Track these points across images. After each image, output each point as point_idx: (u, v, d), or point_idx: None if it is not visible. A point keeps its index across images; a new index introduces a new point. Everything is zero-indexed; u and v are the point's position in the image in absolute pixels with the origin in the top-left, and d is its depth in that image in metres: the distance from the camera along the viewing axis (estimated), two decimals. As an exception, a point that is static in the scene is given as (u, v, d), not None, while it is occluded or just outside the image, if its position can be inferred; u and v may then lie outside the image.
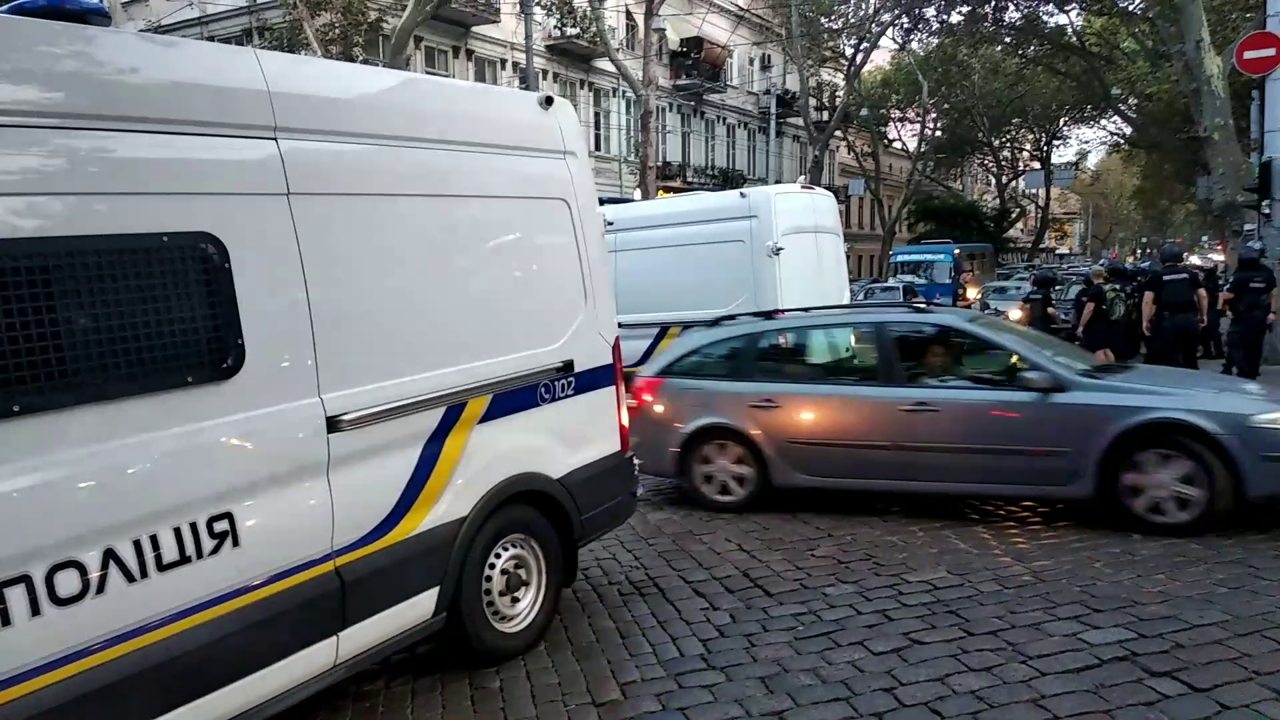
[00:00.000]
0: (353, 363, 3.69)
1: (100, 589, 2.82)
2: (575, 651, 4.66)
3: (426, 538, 4.00)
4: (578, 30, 28.56)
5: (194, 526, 3.08)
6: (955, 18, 35.45)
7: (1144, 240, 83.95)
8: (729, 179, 37.79)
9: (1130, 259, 62.22)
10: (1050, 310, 14.77)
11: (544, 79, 29.85)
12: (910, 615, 4.89)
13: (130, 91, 3.06)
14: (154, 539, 2.97)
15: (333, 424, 3.54)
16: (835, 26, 38.17)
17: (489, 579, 4.43)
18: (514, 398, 4.52)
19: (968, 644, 4.48)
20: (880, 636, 4.63)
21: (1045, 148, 54.84)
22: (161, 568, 2.98)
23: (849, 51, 38.57)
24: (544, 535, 4.72)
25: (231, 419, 3.22)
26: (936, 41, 39.84)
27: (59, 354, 2.74)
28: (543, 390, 4.72)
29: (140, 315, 2.96)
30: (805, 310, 9.11)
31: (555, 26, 28.93)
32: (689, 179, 36.78)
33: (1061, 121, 51.31)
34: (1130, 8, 30.23)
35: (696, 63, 36.90)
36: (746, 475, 7.26)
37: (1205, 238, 61.08)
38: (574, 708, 4.06)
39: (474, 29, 28.13)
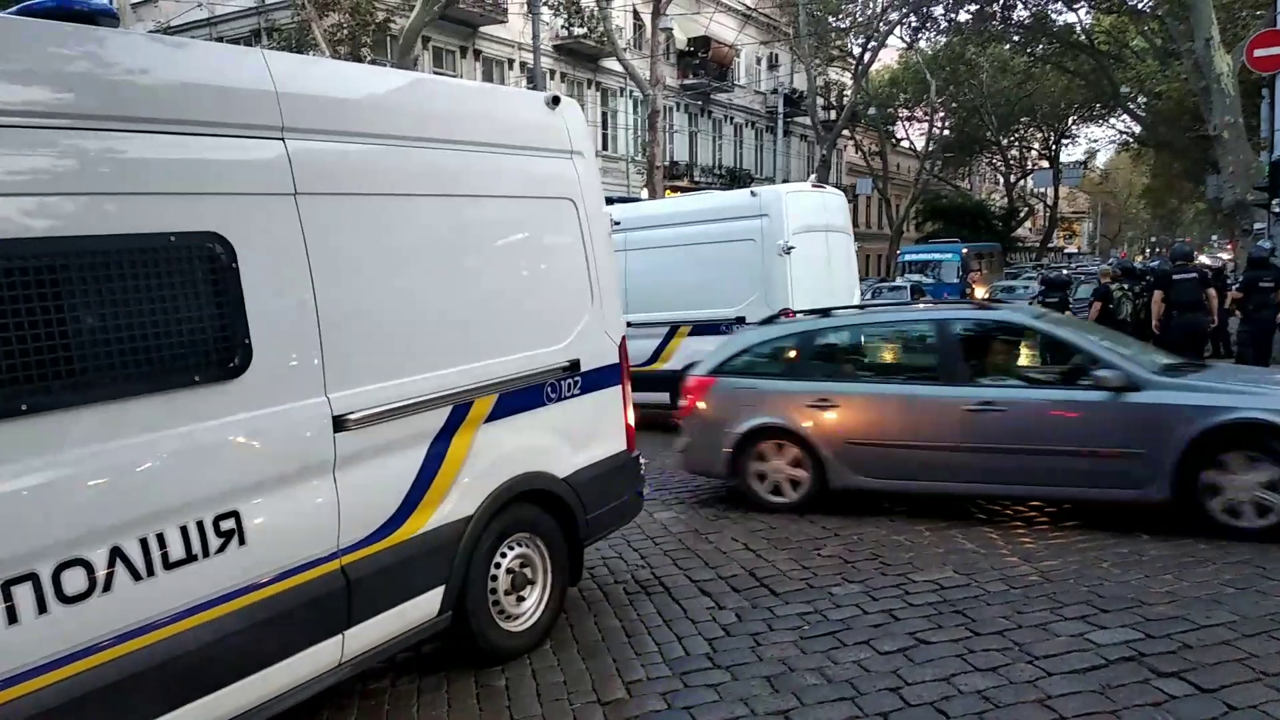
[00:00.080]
0: (359, 362, 3.70)
1: (107, 587, 2.83)
2: (581, 650, 4.67)
3: (432, 537, 4.01)
4: (585, 30, 28.59)
5: (200, 525, 3.09)
6: (963, 16, 35.49)
7: (1153, 239, 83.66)
8: (736, 178, 37.78)
9: (1139, 258, 62.02)
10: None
11: (551, 79, 29.86)
12: (916, 615, 4.89)
13: (138, 92, 3.07)
14: (160, 537, 2.98)
15: (339, 423, 3.55)
16: (843, 25, 38.16)
17: (494, 578, 4.44)
18: (520, 397, 4.52)
19: (974, 644, 4.47)
20: (886, 636, 4.63)
21: (1054, 146, 54.72)
22: (168, 566, 2.99)
23: (856, 50, 38.53)
24: (550, 534, 4.73)
25: (238, 418, 3.23)
26: (944, 40, 39.86)
27: (66, 353, 2.75)
28: (549, 390, 4.72)
29: (147, 315, 2.97)
30: (860, 307, 8.99)
31: (563, 26, 28.97)
32: (696, 178, 36.78)
33: (1070, 120, 51.23)
34: (1139, 6, 30.18)
35: (704, 62, 36.87)
36: (802, 476, 7.11)
37: (1215, 236, 60.85)
38: (579, 706, 4.06)
39: (481, 29, 28.15)
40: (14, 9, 3.08)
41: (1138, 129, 43.15)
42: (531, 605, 4.67)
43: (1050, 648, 4.36)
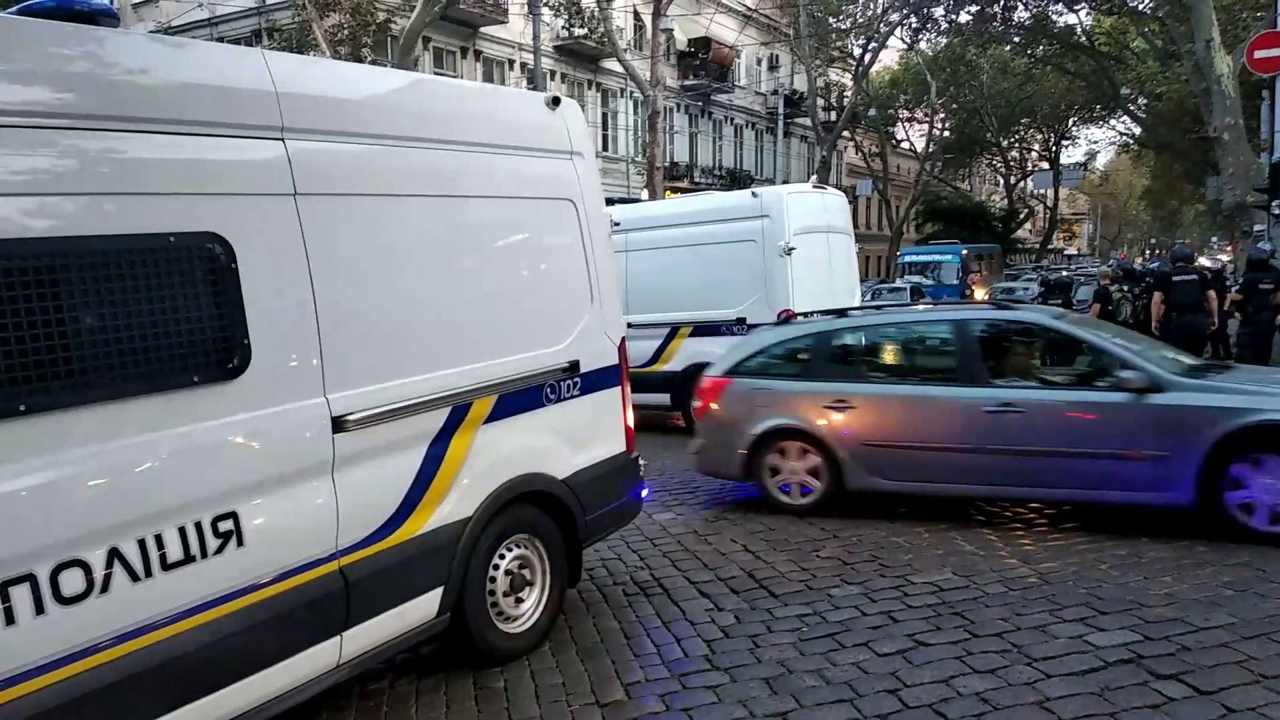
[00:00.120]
0: (358, 363, 3.70)
1: (104, 588, 2.83)
2: (580, 652, 4.67)
3: (431, 538, 4.01)
4: (585, 31, 28.61)
5: (198, 526, 3.09)
6: (964, 17, 35.48)
7: (1153, 241, 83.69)
8: (736, 179, 37.78)
9: (1139, 260, 62.03)
10: None
11: (552, 79, 29.87)
12: (915, 617, 4.89)
13: (138, 92, 3.07)
14: (159, 538, 2.98)
15: (338, 424, 3.55)
16: (843, 26, 38.14)
17: (493, 579, 4.44)
18: (519, 398, 4.52)
19: (973, 646, 4.47)
20: (885, 638, 4.63)
21: (1054, 148, 54.75)
22: (166, 567, 2.99)
23: (857, 51, 38.53)
24: (549, 536, 4.73)
25: (237, 419, 3.23)
26: (945, 41, 39.85)
27: (65, 353, 2.75)
28: (548, 391, 4.72)
29: (147, 315, 2.97)
30: (877, 308, 8.93)
31: (563, 27, 28.98)
32: (696, 179, 36.78)
33: (1070, 121, 51.24)
34: (1140, 7, 30.18)
35: (704, 63, 36.88)
36: (818, 478, 7.06)
37: (1215, 238, 60.87)
38: (578, 708, 4.06)
39: (482, 30, 28.17)
40: (14, 9, 3.08)
41: (1138, 130, 43.17)
42: (530, 607, 4.67)
43: (1049, 650, 4.37)
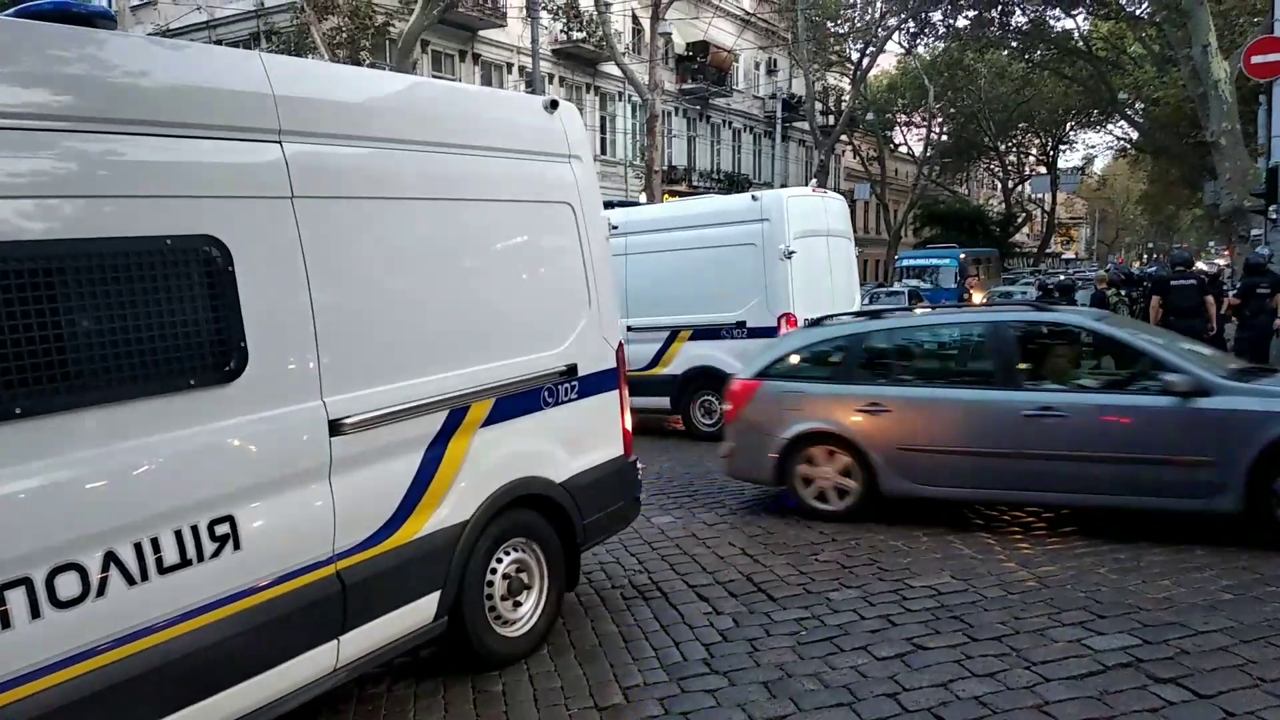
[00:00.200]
0: (356, 366, 3.69)
1: (100, 592, 2.81)
2: (578, 655, 4.66)
3: (428, 542, 4.00)
4: (584, 35, 28.64)
5: (195, 529, 3.08)
6: (961, 22, 35.54)
7: (1150, 245, 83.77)
8: (734, 183, 37.82)
9: (1136, 264, 62.12)
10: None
11: (550, 83, 29.90)
12: (914, 620, 4.88)
13: (135, 95, 3.06)
14: (155, 542, 2.96)
15: (335, 427, 3.54)
16: (841, 31, 38.21)
17: (491, 583, 4.42)
18: (517, 401, 4.52)
19: (971, 649, 4.46)
20: (884, 641, 4.62)
21: (1051, 152, 54.84)
22: (162, 571, 2.98)
23: (855, 56, 38.58)
24: (546, 539, 4.72)
25: (234, 422, 3.22)
26: (942, 46, 39.89)
27: (61, 356, 2.74)
28: (546, 394, 4.72)
29: (143, 318, 2.96)
30: (911, 309, 8.77)
31: (561, 31, 29.03)
32: (694, 183, 36.82)
33: (1068, 126, 51.34)
34: (1137, 12, 30.25)
35: (702, 67, 36.94)
36: (852, 483, 6.92)
37: (1212, 242, 60.92)
38: (576, 711, 4.05)
39: (480, 33, 28.20)
40: (12, 11, 3.08)
41: (1135, 135, 43.23)
42: (528, 610, 4.66)
43: (1048, 653, 4.36)
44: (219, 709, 3.13)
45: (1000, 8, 34.11)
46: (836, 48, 39.36)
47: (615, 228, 10.33)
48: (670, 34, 31.17)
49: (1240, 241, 19.11)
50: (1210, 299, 12.28)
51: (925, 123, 45.94)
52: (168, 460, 3.02)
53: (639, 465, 5.49)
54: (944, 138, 47.84)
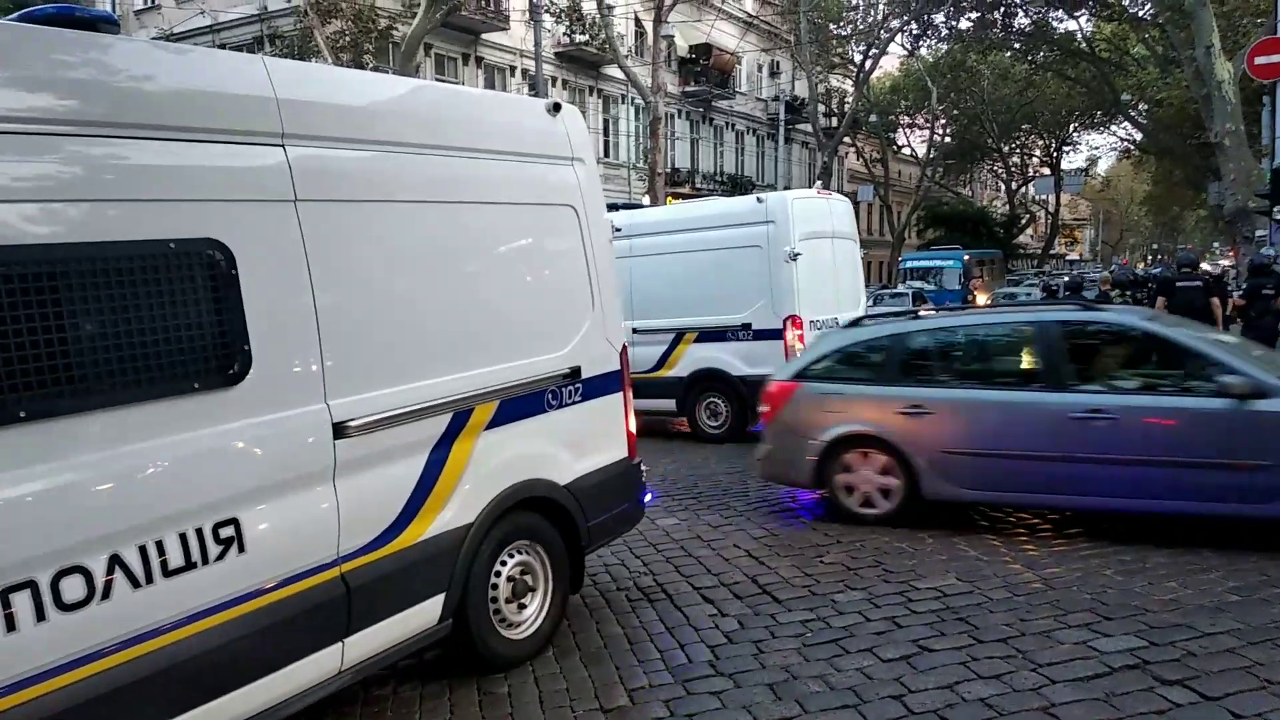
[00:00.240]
0: (359, 368, 3.69)
1: (105, 595, 2.82)
2: (583, 657, 4.65)
3: (432, 544, 4.00)
4: (587, 37, 28.67)
5: (199, 532, 3.08)
6: (964, 24, 35.55)
7: (1155, 246, 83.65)
8: (738, 185, 37.83)
9: (1141, 265, 62.00)
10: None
11: (553, 86, 29.93)
12: (919, 622, 4.87)
13: (138, 99, 3.07)
14: (160, 545, 2.96)
15: (339, 430, 3.54)
16: (844, 33, 38.22)
17: (495, 586, 4.42)
18: (521, 404, 4.51)
19: (977, 651, 4.45)
20: (889, 643, 4.61)
21: (1055, 154, 54.83)
22: (167, 574, 2.98)
23: (858, 58, 38.60)
24: (550, 542, 4.71)
25: (237, 425, 3.22)
26: (946, 47, 39.91)
27: (65, 360, 2.75)
28: (550, 396, 4.71)
29: (147, 321, 2.97)
30: (958, 308, 8.55)
31: (564, 34, 29.06)
32: (697, 185, 36.82)
33: (1071, 127, 51.35)
34: (1140, 13, 30.22)
35: (705, 69, 36.96)
36: (893, 486, 6.76)
37: (1216, 243, 60.83)
38: (582, 713, 4.04)
39: (484, 36, 28.23)
40: (15, 15, 3.08)
41: (1139, 136, 43.24)
42: (533, 613, 4.66)
43: (1054, 655, 4.35)
44: (223, 712, 3.13)
45: (1003, 9, 34.13)
46: (839, 50, 39.37)
47: (619, 230, 10.34)
48: (673, 36, 31.17)
49: (1245, 243, 19.07)
50: (1215, 301, 12.25)
51: (928, 124, 45.96)
52: (172, 464, 3.03)
53: (644, 467, 5.49)
54: (947, 139, 47.82)
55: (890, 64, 48.28)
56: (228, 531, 3.16)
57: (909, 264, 33.14)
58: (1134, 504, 6.09)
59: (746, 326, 10.74)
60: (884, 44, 36.51)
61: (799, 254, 10.54)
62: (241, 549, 3.20)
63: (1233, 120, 17.70)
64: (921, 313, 8.00)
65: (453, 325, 4.20)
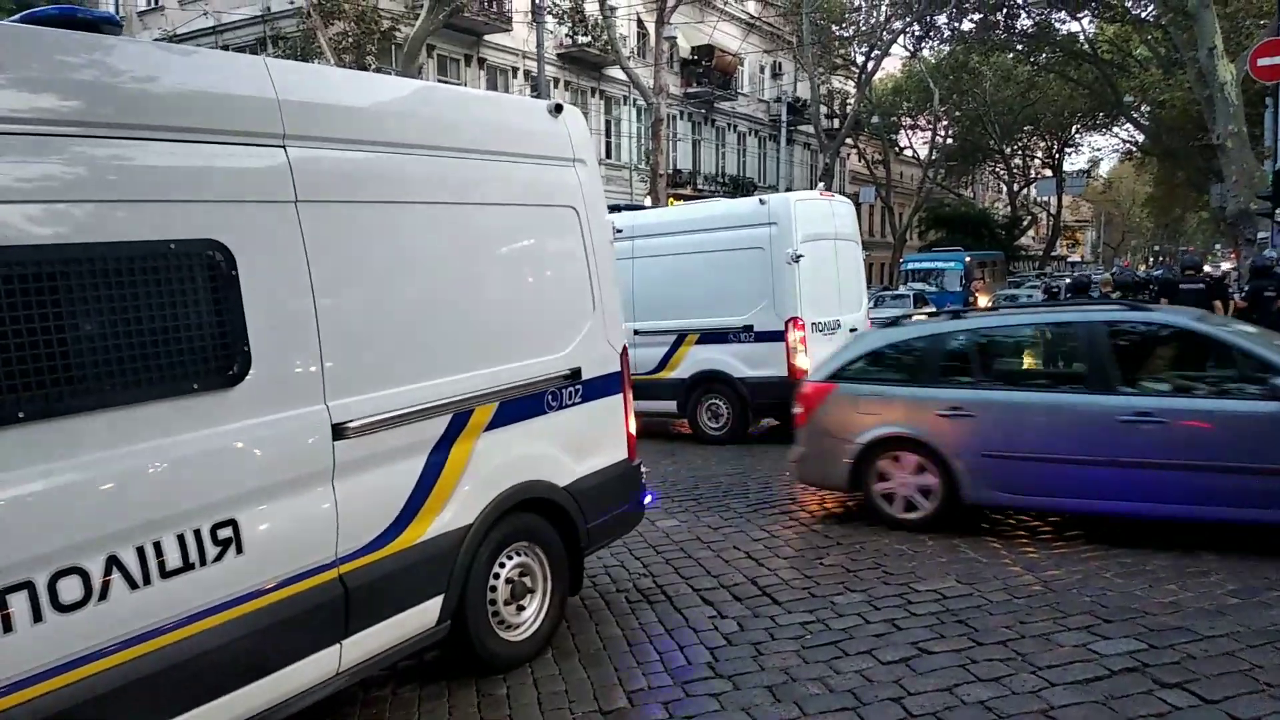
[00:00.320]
0: (359, 370, 3.70)
1: (103, 596, 2.82)
2: (582, 659, 4.65)
3: (431, 545, 4.00)
4: (589, 39, 28.67)
5: (198, 533, 3.08)
6: (967, 25, 35.52)
7: (1156, 248, 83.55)
8: (740, 186, 37.82)
9: (1143, 267, 61.97)
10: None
11: (555, 87, 29.92)
12: (919, 625, 4.87)
13: (140, 99, 3.07)
14: (158, 545, 2.97)
15: (338, 431, 3.54)
16: (846, 34, 38.20)
17: (494, 587, 4.42)
18: (521, 405, 4.52)
19: (976, 654, 4.45)
20: (888, 646, 4.61)
21: (1057, 155, 54.79)
22: (165, 575, 2.98)
23: (860, 59, 38.60)
24: (550, 543, 4.71)
25: (237, 426, 3.23)
26: (948, 49, 39.88)
27: (65, 360, 2.75)
28: (550, 398, 4.72)
29: (146, 322, 2.97)
30: (997, 308, 8.41)
31: (567, 35, 29.07)
32: (700, 186, 36.81)
33: (1073, 129, 51.31)
34: (1143, 15, 30.20)
35: (707, 70, 36.96)
36: (931, 490, 6.62)
37: (1218, 245, 60.79)
38: (580, 715, 4.04)
39: (486, 37, 28.24)
40: (19, 16, 3.09)
41: (1141, 138, 43.17)
42: (531, 614, 4.66)
43: (1053, 658, 4.35)
44: (221, 713, 3.13)
45: (1005, 11, 34.10)
46: (841, 51, 39.34)
47: (620, 231, 10.33)
48: (675, 38, 31.19)
49: (1246, 245, 19.05)
50: (1218, 303, 12.25)
51: (930, 126, 45.91)
52: (170, 464, 3.03)
53: (644, 469, 5.49)
54: (949, 141, 47.78)
55: (892, 65, 48.32)
56: (226, 532, 3.17)
57: (910, 265, 33.16)
58: (1183, 510, 5.91)
59: (748, 328, 10.73)
60: (886, 45, 36.48)
61: (801, 256, 10.53)
62: (240, 550, 3.20)
63: (1235, 122, 17.68)
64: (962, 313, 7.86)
65: (453, 326, 4.20)
